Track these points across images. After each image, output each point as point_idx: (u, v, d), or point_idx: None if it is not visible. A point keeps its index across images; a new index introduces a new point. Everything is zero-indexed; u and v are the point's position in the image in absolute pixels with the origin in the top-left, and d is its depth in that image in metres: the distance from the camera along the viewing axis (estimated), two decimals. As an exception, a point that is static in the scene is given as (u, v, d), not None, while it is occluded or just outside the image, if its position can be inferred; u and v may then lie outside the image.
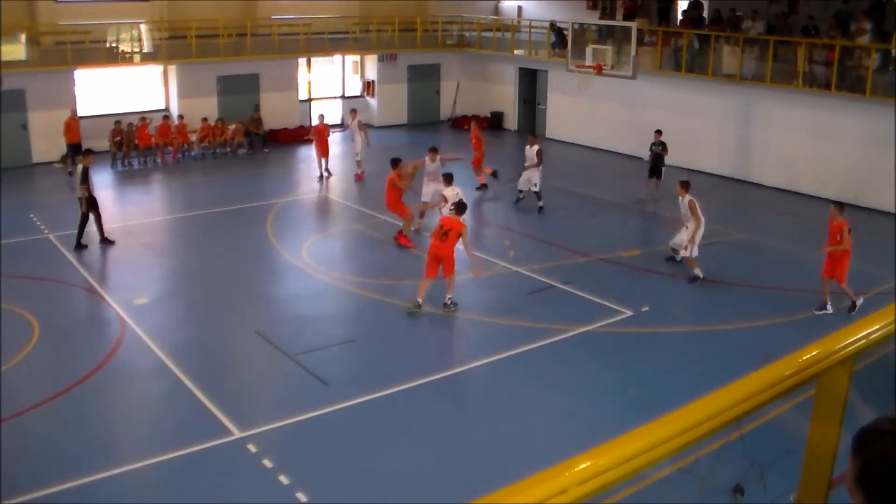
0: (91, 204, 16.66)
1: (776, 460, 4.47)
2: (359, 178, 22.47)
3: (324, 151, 22.72)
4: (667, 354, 12.16)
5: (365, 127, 23.17)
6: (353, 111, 23.64)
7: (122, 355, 11.86)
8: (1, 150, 22.62)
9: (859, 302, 13.24)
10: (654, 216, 19.64)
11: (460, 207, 13.79)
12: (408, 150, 26.73)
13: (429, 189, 17.74)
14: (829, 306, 13.33)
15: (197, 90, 26.40)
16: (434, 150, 18.20)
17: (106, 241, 16.75)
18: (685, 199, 14.96)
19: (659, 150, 20.41)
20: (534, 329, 12.83)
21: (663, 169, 20.46)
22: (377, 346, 12.45)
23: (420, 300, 13.21)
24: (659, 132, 20.69)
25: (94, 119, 24.67)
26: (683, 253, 15.03)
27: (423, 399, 10.87)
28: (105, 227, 16.95)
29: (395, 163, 16.97)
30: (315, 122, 23.64)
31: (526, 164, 19.55)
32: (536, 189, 19.47)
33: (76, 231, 16.52)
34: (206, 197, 20.91)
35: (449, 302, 13.43)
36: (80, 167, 16.81)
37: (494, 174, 21.54)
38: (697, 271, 14.97)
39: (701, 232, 14.90)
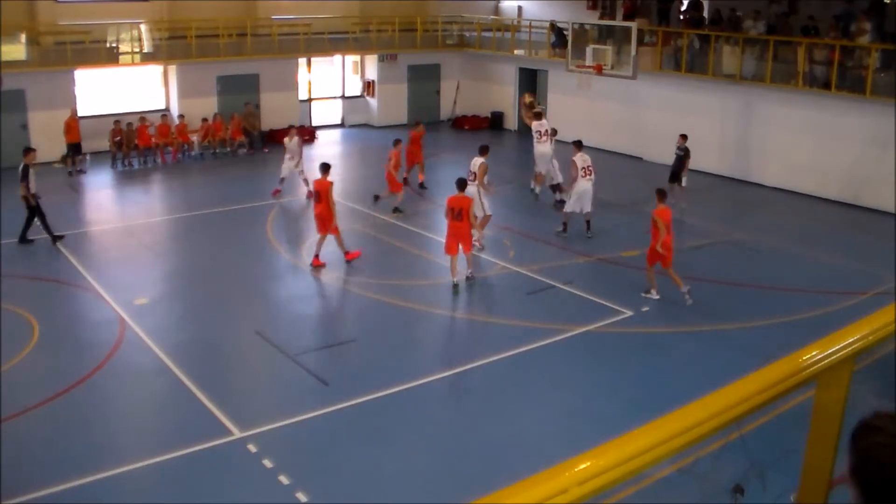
0: (30, 203, 16.44)
1: (776, 460, 4.47)
2: (276, 194, 20.52)
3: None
4: (667, 354, 12.16)
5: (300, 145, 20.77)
6: (291, 128, 21.58)
7: (122, 355, 11.85)
8: (1, 150, 22.59)
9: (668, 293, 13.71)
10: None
11: (460, 184, 14.56)
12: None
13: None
14: (654, 291, 13.94)
15: (197, 90, 26.40)
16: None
17: (55, 239, 16.57)
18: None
19: (682, 155, 19.59)
20: (534, 329, 12.83)
21: (683, 175, 19.60)
22: (377, 346, 12.45)
23: (455, 279, 14.25)
24: (684, 136, 19.61)
25: (94, 119, 24.67)
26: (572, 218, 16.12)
27: (423, 399, 10.87)
28: (104, 226, 16.92)
29: (326, 168, 15.66)
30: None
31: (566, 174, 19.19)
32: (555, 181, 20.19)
33: (74, 231, 16.51)
34: (206, 197, 20.89)
35: (470, 274, 14.56)
36: (21, 165, 16.78)
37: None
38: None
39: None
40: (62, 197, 21.06)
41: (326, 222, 15.24)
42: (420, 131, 21.75)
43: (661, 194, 14.17)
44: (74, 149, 23.01)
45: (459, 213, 14.03)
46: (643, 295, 13.97)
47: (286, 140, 20.57)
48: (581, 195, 17.14)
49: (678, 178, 19.73)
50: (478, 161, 16.67)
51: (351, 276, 15.32)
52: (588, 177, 17.06)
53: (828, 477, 2.58)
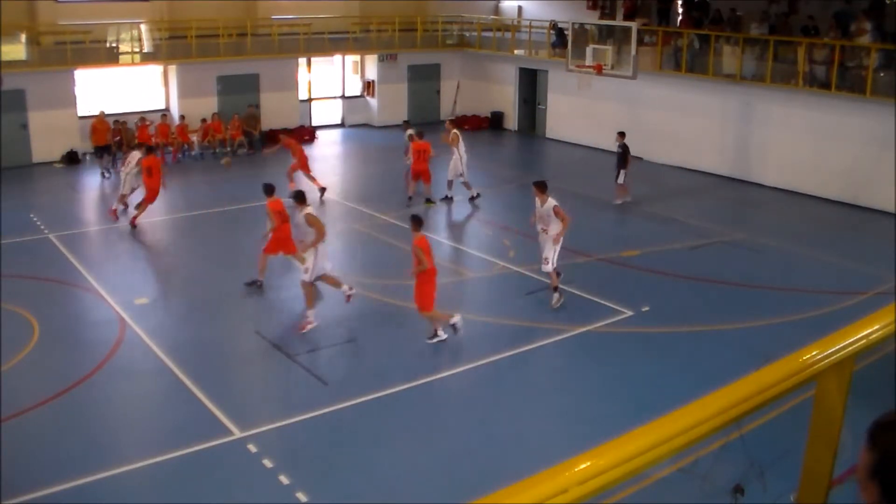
0: None
1: (776, 460, 4.47)
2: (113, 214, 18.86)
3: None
4: (667, 354, 12.16)
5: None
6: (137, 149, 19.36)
7: (122, 355, 11.85)
8: (1, 150, 22.62)
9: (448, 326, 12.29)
10: (653, 216, 19.63)
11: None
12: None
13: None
14: (440, 332, 12.24)
15: (197, 90, 26.41)
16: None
17: None
18: (546, 205, 13.46)
19: (620, 153, 19.97)
20: (534, 329, 12.83)
21: (623, 171, 19.91)
22: (377, 346, 12.45)
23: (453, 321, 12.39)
24: (622, 134, 20.01)
25: (94, 119, 24.66)
26: (545, 267, 13.58)
27: (423, 399, 10.87)
28: (104, 226, 16.93)
29: (270, 190, 14.57)
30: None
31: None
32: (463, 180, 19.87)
33: (74, 231, 16.53)
34: (206, 197, 20.90)
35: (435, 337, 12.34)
36: None
37: (322, 190, 20.46)
38: (556, 297, 13.55)
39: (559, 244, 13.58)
40: (62, 197, 21.09)
41: (287, 242, 14.27)
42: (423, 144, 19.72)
43: (416, 222, 12.26)
44: (103, 150, 22.96)
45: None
46: (428, 341, 12.17)
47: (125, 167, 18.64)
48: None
49: (618, 174, 20.08)
50: (550, 203, 13.59)
51: (351, 276, 15.30)
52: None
53: (828, 477, 2.58)
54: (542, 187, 13.68)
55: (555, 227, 13.45)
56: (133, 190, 18.63)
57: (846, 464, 2.90)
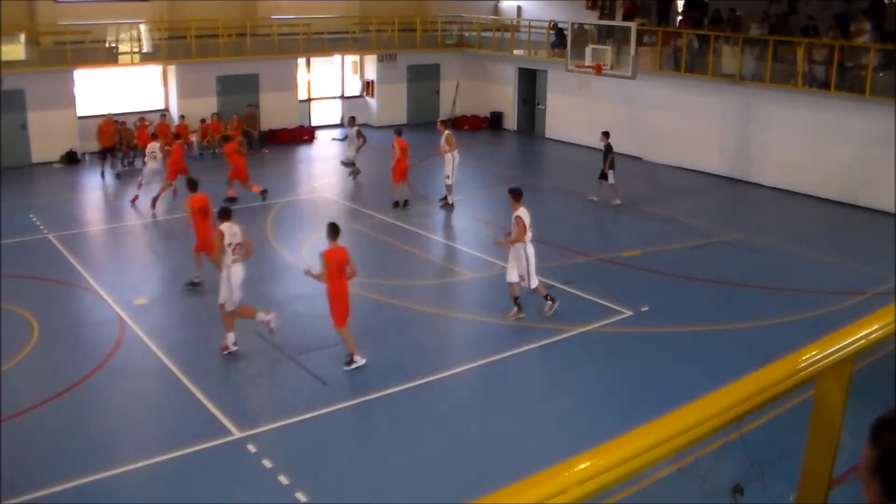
0: None
1: (776, 460, 4.47)
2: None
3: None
4: (667, 354, 12.16)
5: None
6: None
7: (122, 355, 11.85)
8: (1, 150, 22.62)
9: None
10: (653, 216, 19.64)
11: (335, 231, 11.35)
12: (408, 149, 26.77)
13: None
14: (357, 357, 11.43)
15: (197, 90, 26.41)
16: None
17: None
18: (514, 213, 12.89)
19: (604, 152, 20.13)
20: (534, 329, 12.83)
21: (608, 171, 20.05)
22: (377, 346, 12.44)
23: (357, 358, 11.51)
24: (606, 134, 20.18)
25: (94, 119, 24.66)
26: (532, 284, 12.98)
27: (423, 399, 10.86)
28: (104, 226, 16.94)
29: (194, 185, 14.64)
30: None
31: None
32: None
33: (74, 231, 16.53)
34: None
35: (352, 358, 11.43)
36: None
37: (263, 193, 19.98)
38: (549, 305, 13.14)
39: (532, 256, 12.88)
40: (62, 197, 21.09)
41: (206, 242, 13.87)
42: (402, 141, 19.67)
43: (333, 231, 11.29)
44: (106, 152, 22.92)
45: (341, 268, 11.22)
46: (345, 369, 11.35)
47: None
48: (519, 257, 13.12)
49: (605, 175, 20.12)
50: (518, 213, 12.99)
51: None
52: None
53: (828, 477, 2.58)
54: (515, 195, 13.02)
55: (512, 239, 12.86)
56: (148, 183, 19.49)
57: (846, 464, 2.90)
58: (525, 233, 12.75)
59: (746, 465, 4.43)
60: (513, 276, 12.94)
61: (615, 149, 20.36)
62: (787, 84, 21.61)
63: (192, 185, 14.59)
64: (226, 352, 11.79)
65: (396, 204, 19.47)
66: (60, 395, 10.61)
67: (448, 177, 19.60)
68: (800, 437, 2.70)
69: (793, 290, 14.70)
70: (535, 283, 13.01)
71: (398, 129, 20.20)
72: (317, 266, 11.39)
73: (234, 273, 11.68)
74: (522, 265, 12.88)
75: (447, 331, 13.42)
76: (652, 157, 25.14)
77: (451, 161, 19.48)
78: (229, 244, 11.65)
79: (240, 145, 25.91)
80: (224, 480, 8.92)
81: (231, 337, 11.80)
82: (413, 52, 30.38)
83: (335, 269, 11.04)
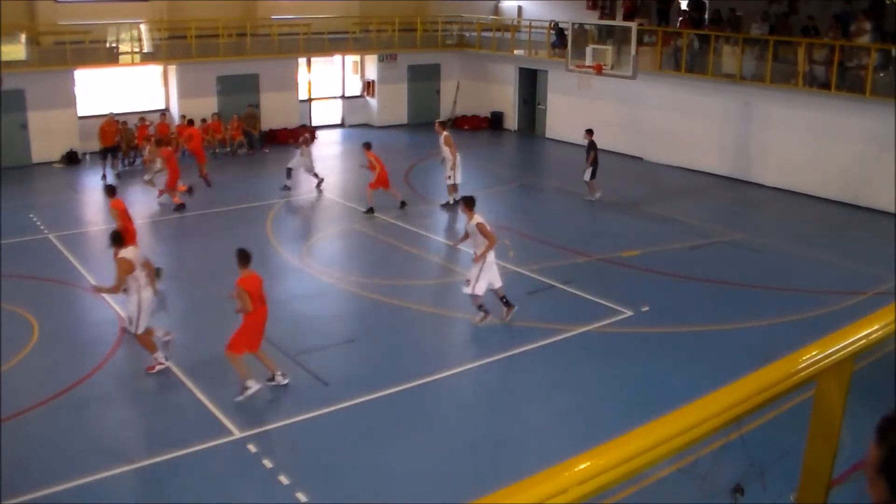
0: None
1: (776, 460, 4.47)
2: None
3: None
4: (667, 354, 12.16)
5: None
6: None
7: (122, 355, 11.85)
8: (1, 150, 22.62)
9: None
10: (653, 216, 19.64)
11: (245, 258, 10.81)
12: (408, 149, 26.84)
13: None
14: (250, 382, 10.55)
15: (197, 90, 26.41)
16: None
17: None
18: (472, 221, 12.70)
19: (588, 149, 20.27)
20: (534, 329, 12.83)
21: (589, 168, 20.22)
22: (377, 346, 12.45)
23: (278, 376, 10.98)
24: (589, 132, 20.35)
25: (94, 119, 24.67)
26: (466, 289, 12.71)
27: (423, 399, 10.87)
28: (104, 227, 16.93)
29: (112, 190, 14.79)
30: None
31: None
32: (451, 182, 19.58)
33: (74, 232, 16.54)
34: (206, 197, 20.88)
35: (244, 387, 10.59)
36: None
37: (189, 190, 19.67)
38: (480, 315, 12.82)
39: (492, 257, 12.71)
40: (62, 197, 21.09)
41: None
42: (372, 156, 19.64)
43: (243, 257, 10.74)
44: (107, 151, 22.90)
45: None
46: (237, 399, 10.48)
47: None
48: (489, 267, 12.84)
49: (593, 172, 20.21)
50: (476, 220, 12.79)
51: (351, 276, 15.32)
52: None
53: (828, 477, 2.58)
54: (468, 203, 12.89)
55: (480, 247, 12.59)
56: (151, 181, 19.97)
57: (846, 464, 2.90)
58: (495, 237, 12.61)
59: (746, 465, 4.43)
60: (482, 287, 12.61)
61: (614, 149, 20.38)
62: (787, 84, 21.60)
63: (111, 191, 14.52)
64: (158, 367, 11.17)
65: (398, 206, 19.40)
66: (60, 395, 10.61)
67: (449, 177, 19.58)
68: (800, 437, 2.70)
69: (793, 290, 14.70)
70: (481, 290, 12.60)
71: (367, 144, 19.88)
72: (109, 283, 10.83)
73: (146, 296, 11.10)
74: (494, 272, 12.66)
75: (447, 331, 13.42)
76: (652, 157, 25.14)
77: (452, 162, 19.45)
78: (141, 266, 11.19)
79: (240, 146, 26.08)
80: (224, 480, 8.92)
81: (159, 355, 11.21)
82: (413, 52, 30.38)
83: (257, 298, 10.55)
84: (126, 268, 10.99)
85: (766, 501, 4.64)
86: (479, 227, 12.57)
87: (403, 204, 19.44)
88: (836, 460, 2.59)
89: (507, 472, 6.95)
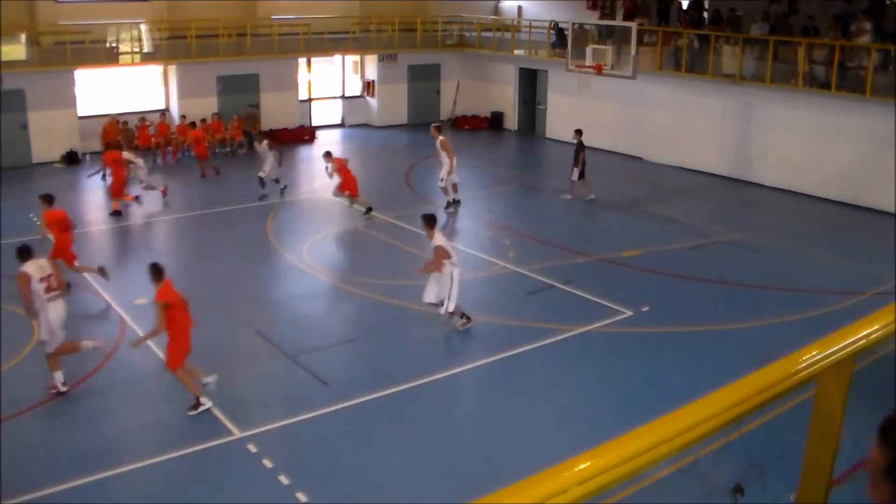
0: None
1: (776, 460, 4.47)
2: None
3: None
4: (667, 354, 12.16)
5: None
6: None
7: (122, 355, 11.85)
8: (1, 150, 22.61)
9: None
10: (653, 216, 19.64)
11: (157, 272, 10.32)
12: (408, 149, 26.85)
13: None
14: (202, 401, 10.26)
15: (197, 90, 26.41)
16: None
17: None
18: (433, 242, 12.40)
19: (576, 149, 20.30)
20: (534, 329, 12.83)
21: (576, 168, 20.21)
22: (377, 346, 12.45)
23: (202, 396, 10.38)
24: (578, 132, 20.40)
25: (94, 119, 24.68)
26: (441, 310, 12.50)
27: (423, 399, 10.87)
28: (104, 227, 16.94)
29: (49, 199, 14.23)
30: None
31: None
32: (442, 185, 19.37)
33: (74, 231, 16.49)
34: (206, 197, 20.90)
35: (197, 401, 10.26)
36: None
37: (137, 199, 19.14)
38: (462, 321, 12.56)
39: (456, 279, 12.31)
40: (62, 197, 21.05)
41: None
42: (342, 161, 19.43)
43: (156, 272, 10.27)
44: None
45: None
46: (190, 414, 10.14)
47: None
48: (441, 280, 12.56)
49: (582, 173, 20.24)
50: (436, 241, 12.47)
51: (351, 276, 15.31)
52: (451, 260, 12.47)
53: (828, 477, 2.58)
54: (429, 222, 12.53)
55: (436, 266, 12.28)
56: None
57: (846, 464, 2.90)
58: (441, 265, 12.20)
59: (746, 465, 4.43)
60: (429, 297, 12.47)
61: (615, 149, 20.39)
62: (787, 84, 21.60)
63: (48, 200, 14.08)
64: (53, 391, 10.62)
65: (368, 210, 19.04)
66: (60, 396, 10.61)
67: (442, 180, 19.29)
68: (800, 437, 2.70)
69: (793, 290, 14.70)
70: (452, 307, 12.41)
71: (327, 153, 19.48)
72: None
73: (54, 311, 10.66)
74: (445, 288, 12.38)
75: (447, 331, 13.42)
76: (652, 157, 25.14)
77: (449, 167, 19.17)
78: (41, 279, 10.61)
79: (240, 146, 26.08)
80: (224, 480, 8.92)
81: (59, 376, 10.66)
82: (413, 52, 30.38)
83: (180, 306, 10.20)
84: (23, 282, 10.43)
85: (766, 501, 4.63)
86: (437, 249, 12.21)
87: (369, 210, 19.04)
88: (836, 460, 2.59)
89: (507, 472, 6.95)
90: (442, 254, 12.20)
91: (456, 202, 19.61)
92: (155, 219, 19.23)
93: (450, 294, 12.38)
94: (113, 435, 9.94)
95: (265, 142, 20.38)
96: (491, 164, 25.11)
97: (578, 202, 20.62)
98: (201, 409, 10.18)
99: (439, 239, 12.38)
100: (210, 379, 10.49)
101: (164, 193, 19.96)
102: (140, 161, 19.79)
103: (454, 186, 19.58)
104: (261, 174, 20.07)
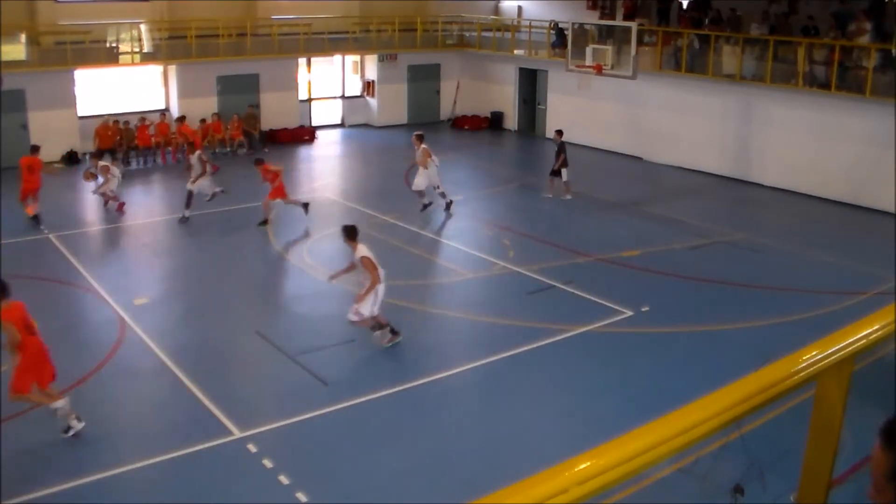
0: None
1: (776, 460, 4.47)
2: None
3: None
4: (666, 354, 12.16)
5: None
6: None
7: (122, 355, 11.85)
8: (1, 150, 22.60)
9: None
10: (653, 216, 19.64)
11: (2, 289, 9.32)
12: (408, 149, 26.83)
13: None
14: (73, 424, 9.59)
15: (197, 90, 26.41)
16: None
17: None
18: (357, 254, 11.87)
19: (557, 150, 20.41)
20: (534, 329, 12.83)
21: (561, 169, 20.28)
22: (377, 346, 12.44)
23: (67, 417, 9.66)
24: (559, 132, 20.58)
25: (94, 119, 24.68)
26: (350, 316, 11.86)
27: (423, 399, 10.87)
28: (104, 226, 16.94)
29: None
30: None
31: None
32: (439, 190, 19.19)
33: (74, 231, 16.54)
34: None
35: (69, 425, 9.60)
36: None
37: (35, 218, 17.99)
38: (381, 335, 12.01)
39: (381, 290, 11.88)
40: (62, 197, 21.07)
41: None
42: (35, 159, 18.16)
43: (2, 289, 9.31)
44: (103, 153, 22.76)
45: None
46: (64, 437, 9.53)
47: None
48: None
49: (558, 172, 20.33)
50: (360, 252, 11.97)
51: (350, 277, 15.29)
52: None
53: (828, 477, 2.58)
54: (350, 233, 12.00)
55: (367, 282, 11.73)
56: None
57: (846, 464, 2.90)
58: (378, 274, 11.71)
59: (746, 465, 4.44)
60: (365, 310, 11.76)
61: (614, 149, 20.39)
62: (787, 84, 21.61)
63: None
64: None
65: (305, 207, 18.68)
66: (60, 395, 10.59)
67: (418, 188, 19.02)
68: (800, 437, 2.70)
69: (793, 290, 14.70)
70: (366, 312, 11.78)
71: (258, 160, 19.00)
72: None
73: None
74: (378, 299, 11.87)
75: (447, 331, 13.42)
76: (652, 157, 25.14)
77: (425, 173, 18.89)
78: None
79: (240, 146, 26.08)
80: (224, 480, 8.92)
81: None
82: (413, 52, 30.38)
83: (24, 328, 9.32)
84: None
85: (766, 501, 4.64)
86: (364, 261, 11.66)
87: (306, 206, 18.75)
88: (836, 460, 2.58)
89: (507, 472, 6.95)
90: (370, 265, 11.66)
91: (427, 205, 19.26)
92: (155, 219, 19.23)
93: (372, 303, 11.76)
94: (113, 435, 9.93)
95: (198, 152, 19.13)
96: (491, 164, 25.11)
97: (579, 202, 20.61)
98: (73, 431, 9.54)
99: (363, 250, 11.78)
100: (60, 404, 9.57)
101: (121, 209, 19.11)
102: (116, 171, 19.21)
103: (421, 193, 19.10)
104: (190, 187, 18.57)
